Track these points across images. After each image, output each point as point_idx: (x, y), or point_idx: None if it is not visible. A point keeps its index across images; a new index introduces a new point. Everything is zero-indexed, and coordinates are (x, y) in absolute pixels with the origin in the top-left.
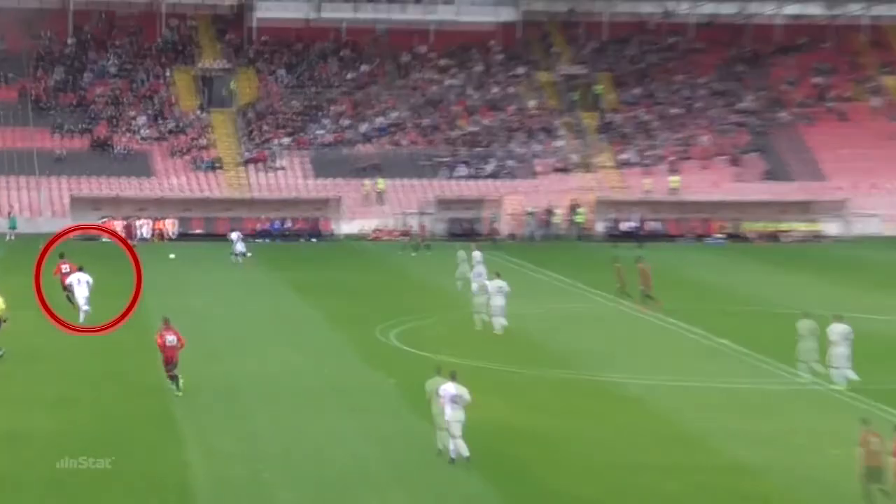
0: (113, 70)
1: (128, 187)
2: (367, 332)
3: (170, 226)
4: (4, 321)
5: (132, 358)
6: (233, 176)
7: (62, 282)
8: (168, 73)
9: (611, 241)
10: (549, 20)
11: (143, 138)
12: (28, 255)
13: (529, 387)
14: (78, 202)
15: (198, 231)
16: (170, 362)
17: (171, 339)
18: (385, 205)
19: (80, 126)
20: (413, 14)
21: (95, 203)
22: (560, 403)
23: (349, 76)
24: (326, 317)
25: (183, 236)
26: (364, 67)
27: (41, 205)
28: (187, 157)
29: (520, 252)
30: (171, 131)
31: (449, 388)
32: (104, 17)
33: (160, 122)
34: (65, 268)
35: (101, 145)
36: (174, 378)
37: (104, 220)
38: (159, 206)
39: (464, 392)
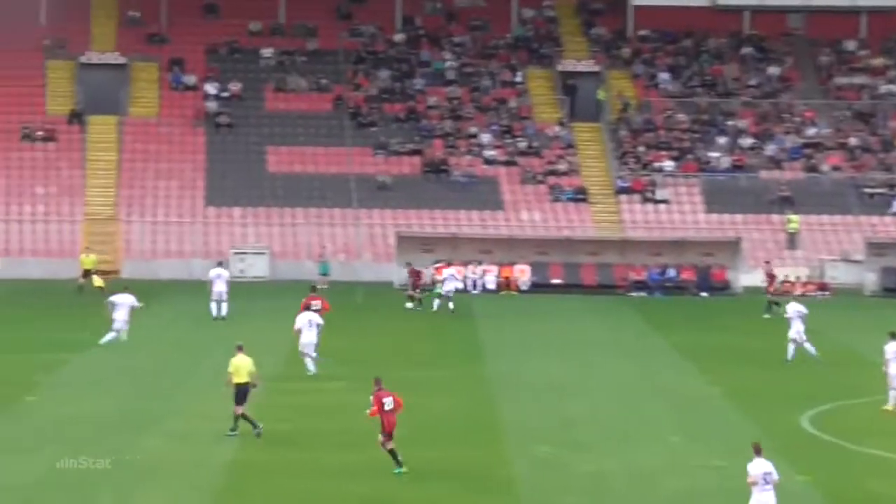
0: (451, 74)
1: (468, 223)
2: (776, 414)
3: (520, 273)
4: (254, 387)
5: (460, 443)
6: (601, 210)
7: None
8: (520, 78)
9: None
10: None
11: (487, 161)
12: (340, 311)
13: None
14: (405, 242)
15: (556, 281)
16: (390, 430)
17: (388, 401)
18: (798, 249)
19: (408, 145)
20: None
21: (426, 243)
22: None
23: (753, 81)
24: (724, 393)
25: (537, 287)
26: (773, 70)
27: (359, 245)
28: (544, 186)
29: None
30: (523, 152)
31: (758, 465)
32: (441, 7)
33: (509, 139)
34: (315, 304)
35: (436, 169)
36: (392, 453)
37: (438, 264)
38: (508, 247)
39: (772, 469)
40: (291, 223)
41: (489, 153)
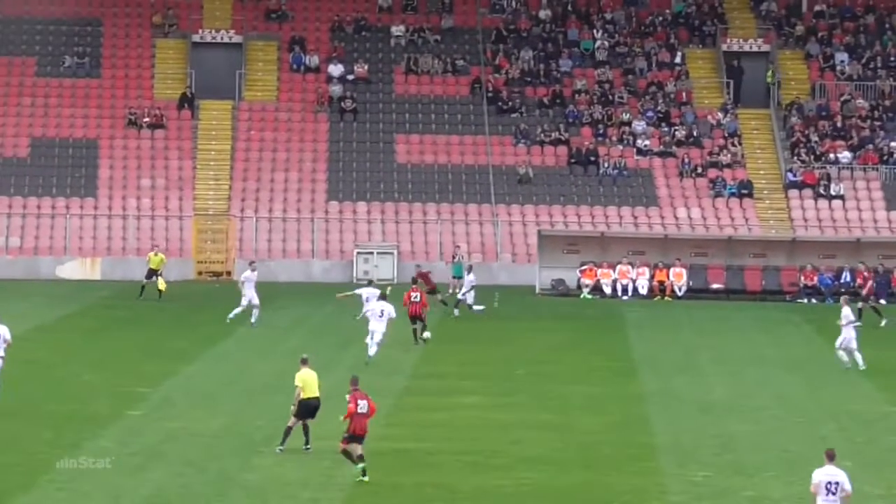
0: (601, 54)
1: (618, 221)
2: None
3: (676, 277)
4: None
5: (612, 466)
6: (768, 206)
7: (410, 313)
8: (680, 59)
9: None
10: None
11: (641, 151)
12: (474, 318)
13: None
14: (547, 242)
15: (716, 285)
16: (360, 434)
17: (363, 404)
18: None
19: (553, 133)
20: None
21: (570, 242)
22: None
23: None
24: None
25: (695, 292)
26: None
27: (497, 244)
28: (704, 179)
29: None
30: (681, 142)
31: (824, 472)
32: None
33: (666, 127)
34: (415, 296)
35: (583, 161)
36: (361, 458)
37: (585, 267)
38: (662, 248)
39: (843, 480)
40: (422, 220)
41: (643, 143)
